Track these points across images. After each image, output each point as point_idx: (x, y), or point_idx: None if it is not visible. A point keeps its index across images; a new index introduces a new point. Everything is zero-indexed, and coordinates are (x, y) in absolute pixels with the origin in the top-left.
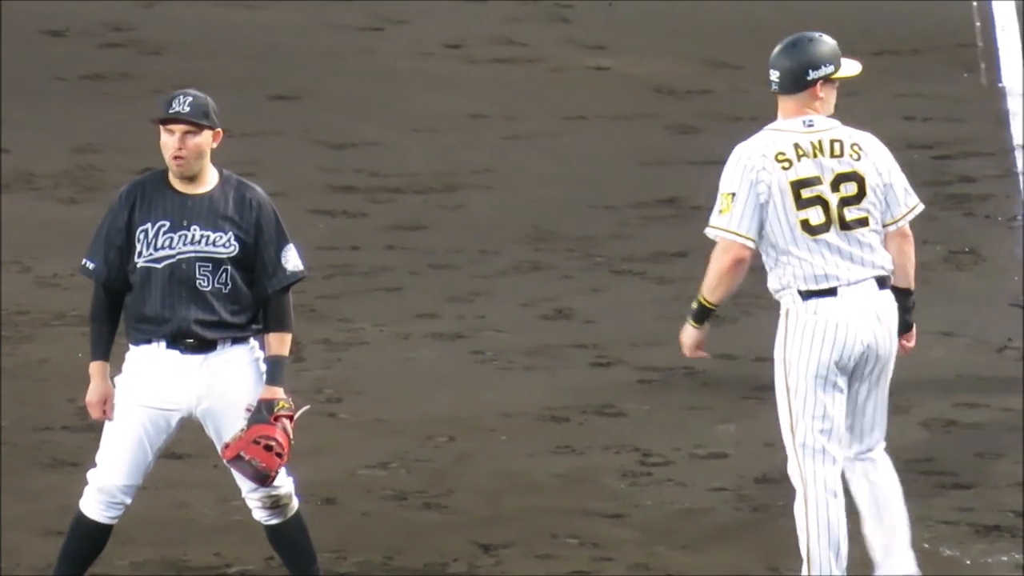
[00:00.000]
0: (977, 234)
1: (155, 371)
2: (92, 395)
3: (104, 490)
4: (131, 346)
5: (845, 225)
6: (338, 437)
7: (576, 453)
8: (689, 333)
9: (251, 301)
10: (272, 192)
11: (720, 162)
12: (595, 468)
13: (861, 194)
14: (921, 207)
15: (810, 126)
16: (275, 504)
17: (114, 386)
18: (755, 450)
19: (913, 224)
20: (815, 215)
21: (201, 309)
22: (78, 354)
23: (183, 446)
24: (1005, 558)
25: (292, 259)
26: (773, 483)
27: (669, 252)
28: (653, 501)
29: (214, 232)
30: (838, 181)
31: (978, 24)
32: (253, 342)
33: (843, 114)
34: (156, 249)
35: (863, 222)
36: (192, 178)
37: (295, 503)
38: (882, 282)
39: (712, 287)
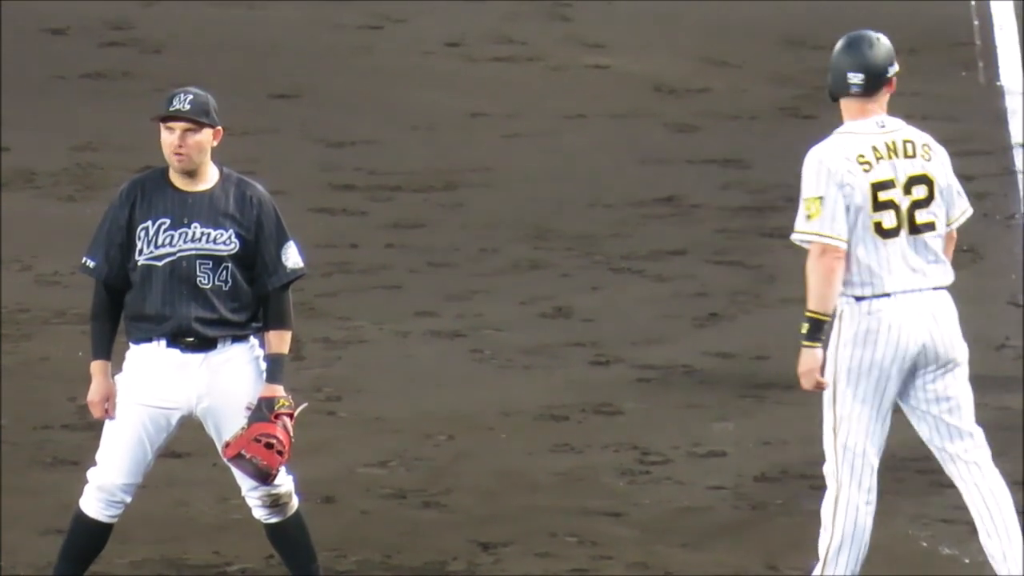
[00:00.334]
0: (975, 232)
1: (155, 370)
2: (94, 394)
3: (104, 489)
4: (131, 345)
5: (915, 229)
6: (337, 435)
7: (575, 451)
8: (810, 356)
9: (251, 299)
10: (272, 190)
11: (718, 161)
12: (594, 466)
13: (930, 197)
14: (971, 211)
15: (883, 127)
16: (275, 502)
17: (115, 385)
18: (754, 448)
19: None
20: (888, 218)
21: (202, 307)
22: (78, 353)
23: (183, 445)
24: None
25: (292, 256)
26: (772, 481)
27: (668, 250)
28: (652, 499)
29: (215, 229)
30: (910, 184)
31: (976, 23)
32: (253, 340)
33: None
34: (157, 247)
35: (931, 226)
36: (192, 175)
37: (295, 501)
38: (940, 287)
39: (820, 297)
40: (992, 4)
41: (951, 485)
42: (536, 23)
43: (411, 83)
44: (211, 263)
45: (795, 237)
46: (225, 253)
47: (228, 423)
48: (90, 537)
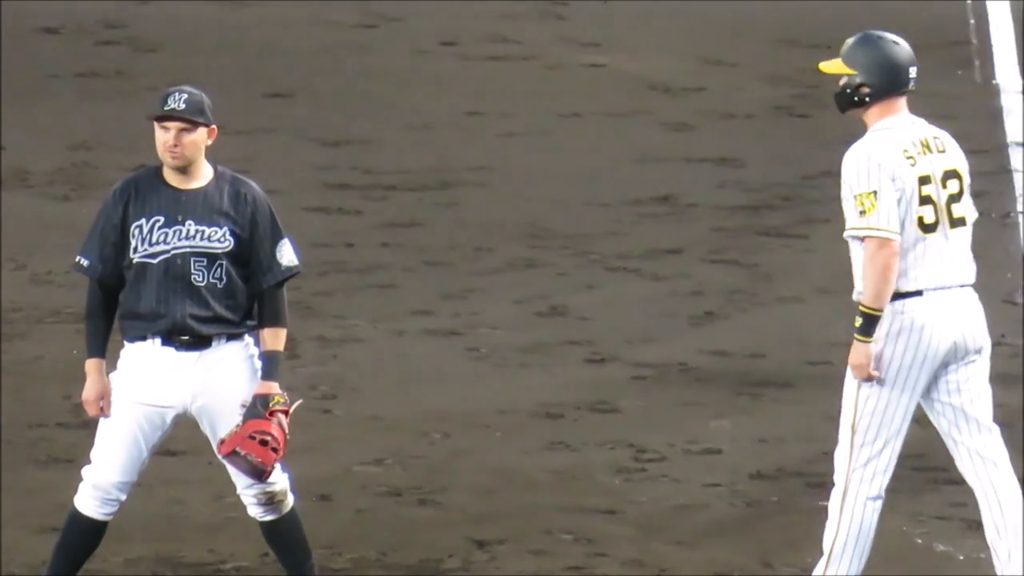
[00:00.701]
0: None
1: (150, 368)
2: (89, 392)
3: (99, 487)
4: (126, 343)
5: (953, 223)
6: (333, 434)
7: (571, 449)
8: (862, 351)
9: (246, 296)
10: (267, 189)
11: (714, 160)
12: (589, 464)
13: (961, 192)
14: (976, 215)
15: (913, 124)
16: (270, 500)
17: (110, 383)
18: (749, 446)
19: None
20: (929, 213)
21: (196, 304)
22: (73, 351)
23: (178, 443)
24: None
25: (287, 254)
26: (767, 479)
27: (663, 249)
28: (647, 497)
29: (209, 227)
30: (945, 178)
31: (972, 22)
32: (247, 338)
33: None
34: (151, 244)
35: (963, 221)
36: (187, 173)
37: (290, 500)
38: (967, 285)
39: (877, 292)
40: (988, 3)
41: (946, 482)
42: (531, 22)
43: (407, 82)
44: (206, 261)
45: (850, 233)
46: (220, 251)
47: (223, 421)
48: (85, 535)
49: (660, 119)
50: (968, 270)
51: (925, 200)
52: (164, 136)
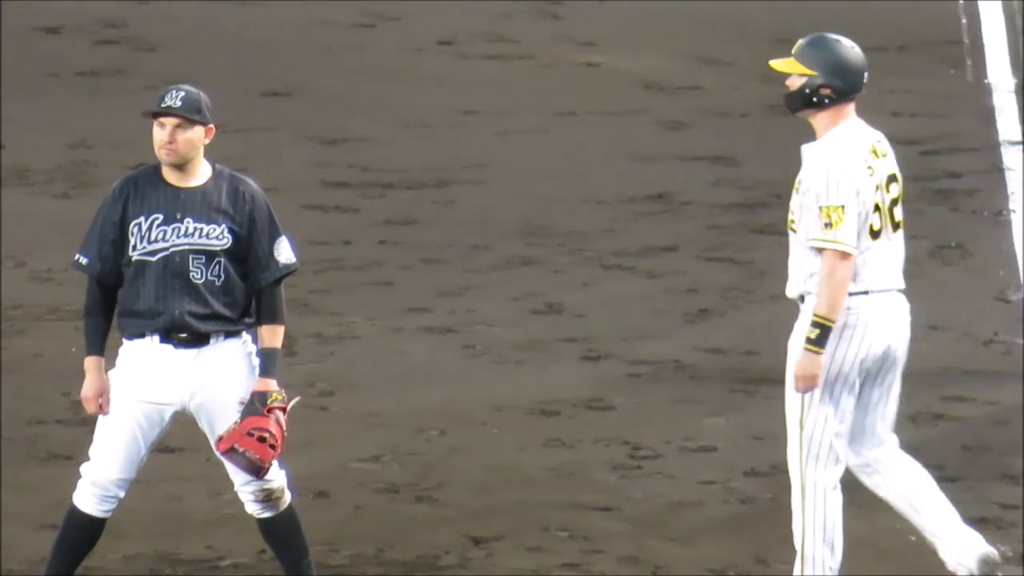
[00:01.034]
0: (963, 229)
1: (148, 365)
2: (88, 389)
3: (98, 484)
4: (124, 340)
5: (894, 226)
6: (330, 430)
7: (566, 446)
8: (813, 362)
9: (244, 294)
10: (265, 187)
11: (710, 158)
12: (585, 461)
13: (900, 195)
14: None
15: (863, 128)
16: (268, 497)
17: (109, 381)
18: (744, 443)
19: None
20: (877, 220)
21: (194, 301)
22: (72, 348)
23: (176, 440)
24: None
25: (285, 251)
26: (762, 476)
27: (659, 247)
28: (643, 494)
29: (207, 224)
30: (888, 182)
31: (964, 21)
32: (245, 336)
33: None
34: (150, 242)
35: (901, 224)
36: (185, 171)
37: (288, 496)
38: (902, 290)
39: (833, 303)
40: (980, 3)
41: (938, 480)
42: (528, 21)
43: (403, 81)
44: (204, 258)
45: (819, 243)
46: (218, 248)
47: (221, 418)
48: (83, 532)
49: (655, 117)
50: (900, 274)
51: (875, 207)
52: (160, 133)
